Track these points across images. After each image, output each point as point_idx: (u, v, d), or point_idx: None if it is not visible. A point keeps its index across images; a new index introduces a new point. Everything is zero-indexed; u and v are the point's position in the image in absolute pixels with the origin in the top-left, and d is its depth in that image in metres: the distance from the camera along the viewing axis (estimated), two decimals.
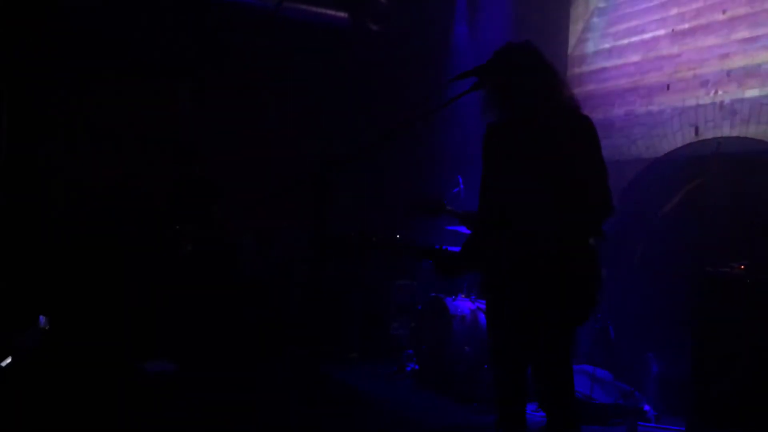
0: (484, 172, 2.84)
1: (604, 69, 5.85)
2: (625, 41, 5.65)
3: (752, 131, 4.68)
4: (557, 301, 2.62)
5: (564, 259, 2.60)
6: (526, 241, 2.63)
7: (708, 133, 4.97)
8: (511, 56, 2.75)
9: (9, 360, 4.49)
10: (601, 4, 5.92)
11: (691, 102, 5.10)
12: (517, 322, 2.72)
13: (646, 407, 4.42)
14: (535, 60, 2.76)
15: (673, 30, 5.28)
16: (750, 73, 4.72)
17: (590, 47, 5.99)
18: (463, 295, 5.38)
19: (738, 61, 4.81)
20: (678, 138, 5.20)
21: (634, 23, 5.61)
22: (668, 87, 5.27)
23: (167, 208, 5.79)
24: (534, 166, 2.66)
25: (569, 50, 6.15)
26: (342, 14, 6.96)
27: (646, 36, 5.48)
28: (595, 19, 5.97)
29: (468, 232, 4.69)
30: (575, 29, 6.15)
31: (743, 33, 4.78)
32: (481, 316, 5.13)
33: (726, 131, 4.84)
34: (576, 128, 2.70)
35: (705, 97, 5.00)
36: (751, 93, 4.71)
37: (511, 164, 2.73)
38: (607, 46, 5.84)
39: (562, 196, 2.62)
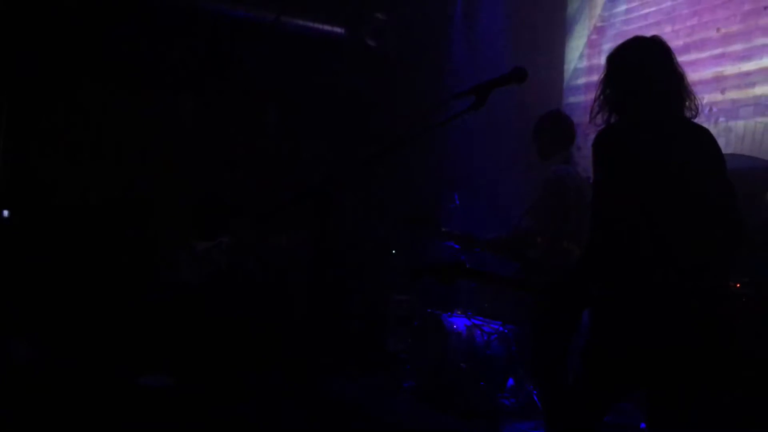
0: (600, 187, 2.39)
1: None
2: None
3: (747, 148, 4.71)
4: (697, 347, 2.22)
5: (705, 294, 2.24)
6: (665, 269, 2.24)
7: None
8: (632, 54, 2.53)
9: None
10: (599, 23, 5.98)
11: None
12: (641, 367, 2.28)
13: (642, 425, 4.41)
14: (657, 61, 2.49)
15: None
16: (744, 90, 4.75)
17: (590, 61, 6.05)
18: (459, 312, 5.37)
19: (732, 79, 4.84)
20: None
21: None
22: None
23: (188, 226, 5.79)
24: (653, 187, 2.30)
25: (575, 63, 6.20)
26: (339, 29, 7.00)
27: None
28: (594, 36, 6.04)
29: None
30: (578, 44, 6.21)
31: (737, 51, 4.83)
32: (477, 333, 5.12)
33: (721, 148, 4.86)
34: (701, 142, 2.43)
35: (700, 115, 5.03)
36: (746, 110, 4.74)
37: (637, 180, 2.31)
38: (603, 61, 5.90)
39: (695, 219, 2.29)
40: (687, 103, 2.47)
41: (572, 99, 6.11)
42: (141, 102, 6.26)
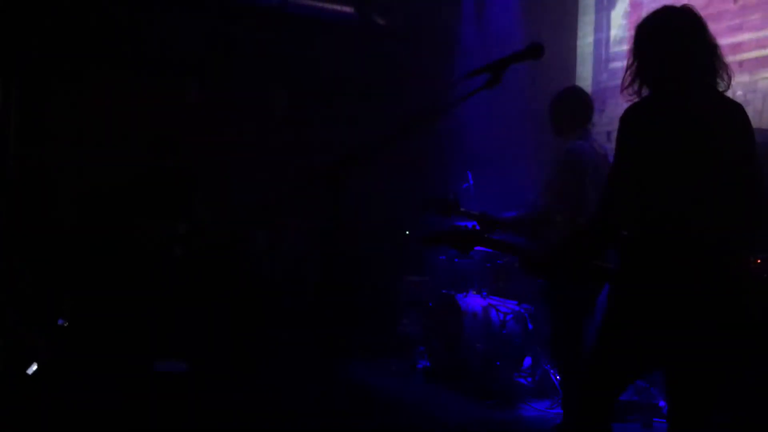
0: (617, 162, 2.37)
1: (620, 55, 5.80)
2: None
3: (765, 122, 4.63)
4: (706, 324, 2.19)
5: (717, 271, 2.20)
6: (673, 246, 2.21)
7: None
8: (660, 23, 2.43)
9: (35, 367, 4.44)
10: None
11: None
12: (646, 341, 2.27)
13: (662, 403, 4.37)
14: (685, 30, 2.40)
15: None
16: (762, 63, 4.67)
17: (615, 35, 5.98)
18: (474, 292, 5.34)
19: (750, 52, 4.75)
20: None
21: (645, 13, 5.54)
22: None
23: (135, 203, 5.68)
24: (679, 160, 2.25)
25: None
26: (348, 9, 6.90)
27: None
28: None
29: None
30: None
31: (755, 22, 4.73)
32: (493, 313, 5.09)
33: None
34: (730, 119, 2.32)
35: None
36: (764, 83, 4.66)
37: (652, 156, 2.28)
38: (625, 34, 5.77)
39: (710, 198, 2.24)
40: (720, 74, 2.39)
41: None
42: (147, 87, 6.21)
